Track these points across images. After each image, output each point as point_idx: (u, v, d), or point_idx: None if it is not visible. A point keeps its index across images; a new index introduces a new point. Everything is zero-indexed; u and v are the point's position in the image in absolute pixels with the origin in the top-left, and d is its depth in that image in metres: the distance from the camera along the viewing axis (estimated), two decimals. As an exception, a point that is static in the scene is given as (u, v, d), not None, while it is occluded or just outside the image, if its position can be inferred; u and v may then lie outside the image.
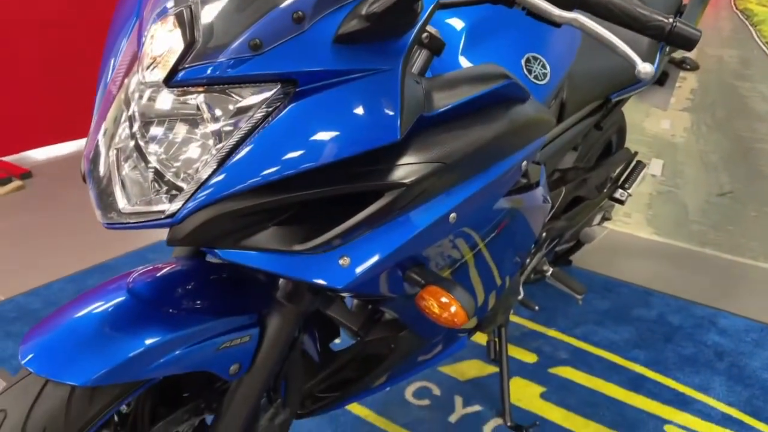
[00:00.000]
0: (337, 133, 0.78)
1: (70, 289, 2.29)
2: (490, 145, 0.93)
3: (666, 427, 1.71)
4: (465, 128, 0.90)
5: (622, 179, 2.06)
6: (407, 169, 0.83)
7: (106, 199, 0.86)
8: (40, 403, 0.86)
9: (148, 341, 0.89)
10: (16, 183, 3.14)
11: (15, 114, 3.33)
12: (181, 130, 0.84)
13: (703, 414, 1.76)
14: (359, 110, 0.79)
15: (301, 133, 0.78)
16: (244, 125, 0.80)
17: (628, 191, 2.03)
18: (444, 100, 0.89)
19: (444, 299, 0.93)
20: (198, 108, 0.82)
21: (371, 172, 0.83)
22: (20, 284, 2.31)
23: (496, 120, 0.94)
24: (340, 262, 0.87)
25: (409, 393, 1.82)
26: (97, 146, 0.91)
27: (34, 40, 3.34)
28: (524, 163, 1.05)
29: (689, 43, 0.89)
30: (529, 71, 1.14)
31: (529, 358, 1.98)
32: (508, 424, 1.70)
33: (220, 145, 0.80)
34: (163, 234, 2.67)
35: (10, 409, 0.86)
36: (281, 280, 1.01)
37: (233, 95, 0.80)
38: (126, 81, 0.89)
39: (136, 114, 0.85)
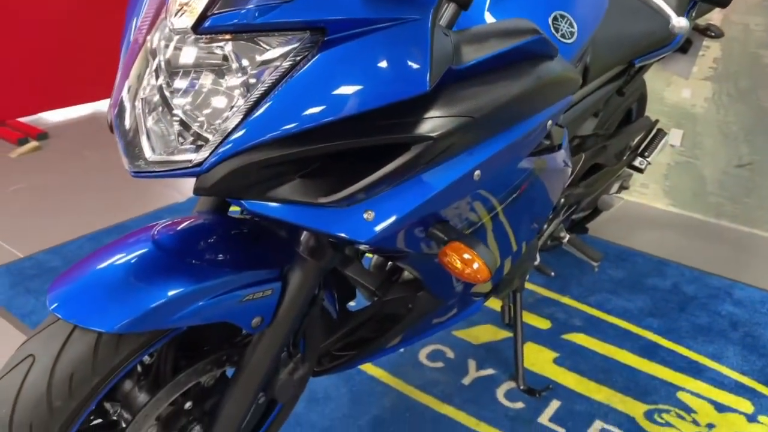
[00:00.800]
0: (366, 82, 0.78)
1: (88, 247, 2.31)
2: (518, 101, 0.92)
3: (679, 393, 1.72)
4: (493, 83, 0.89)
5: (642, 147, 2.04)
6: (434, 122, 0.83)
7: (132, 150, 0.87)
8: (67, 349, 0.88)
9: (173, 291, 0.90)
10: (33, 144, 3.16)
11: (31, 76, 3.33)
12: (207, 80, 0.84)
13: (716, 382, 1.77)
14: (388, 60, 0.78)
15: (330, 83, 0.78)
16: (272, 75, 0.79)
17: (648, 159, 2.02)
18: (473, 54, 0.88)
19: (467, 255, 0.93)
20: (224, 58, 0.82)
21: (398, 125, 0.83)
22: (39, 242, 2.34)
23: (525, 76, 0.93)
24: (365, 216, 0.87)
25: (422, 355, 1.83)
26: (121, 102, 0.91)
27: (52, 3, 3.31)
28: (549, 122, 1.03)
29: (724, -1, 0.87)
30: (556, 29, 1.12)
31: (543, 324, 1.99)
32: (521, 387, 1.71)
33: (248, 95, 0.80)
34: (178, 196, 2.67)
35: (38, 354, 0.88)
36: (303, 236, 1.01)
37: (261, 44, 0.79)
38: (150, 37, 0.88)
39: (162, 64, 0.85)
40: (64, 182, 2.85)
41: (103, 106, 3.79)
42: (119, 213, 2.57)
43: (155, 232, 0.99)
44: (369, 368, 1.76)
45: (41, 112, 3.53)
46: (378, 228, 0.88)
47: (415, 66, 0.79)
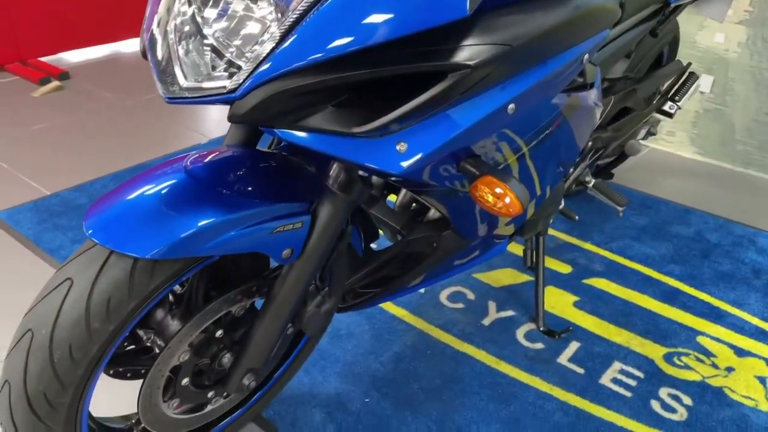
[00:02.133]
0: (404, 6, 0.76)
1: (112, 185, 2.34)
2: (557, 31, 0.89)
3: (699, 338, 1.73)
4: (532, 11, 0.87)
5: (673, 91, 1.99)
6: (472, 50, 0.81)
7: (166, 77, 0.86)
8: (104, 273, 0.89)
9: (207, 221, 0.91)
10: (55, 83, 3.15)
11: (52, 15, 3.30)
12: (239, 6, 0.83)
13: (737, 327, 1.77)
14: (427, -17, 0.76)
15: (366, 7, 0.76)
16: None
17: (678, 104, 1.97)
18: (512, -21, 0.85)
19: (499, 189, 0.93)
20: (257, -17, 0.81)
21: (434, 53, 0.81)
22: (64, 180, 2.36)
23: (564, 5, 0.90)
24: (397, 147, 0.86)
25: (443, 296, 1.85)
26: (152, 35, 0.90)
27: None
28: (586, 56, 1.01)
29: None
30: (596, -40, 1.08)
31: (564, 269, 1.99)
32: (541, 328, 1.73)
33: (281, 20, 0.79)
34: (201, 137, 2.66)
35: (76, 278, 0.90)
36: (333, 170, 1.01)
37: (296, -34, 0.77)
38: None
39: (194, -11, 0.84)
40: (86, 122, 2.86)
41: (122, 46, 3.76)
42: (142, 153, 2.59)
43: (188, 163, 0.99)
44: (391, 307, 1.79)
45: (62, 52, 3.52)
46: (410, 160, 0.87)
47: (454, -10, 0.77)
